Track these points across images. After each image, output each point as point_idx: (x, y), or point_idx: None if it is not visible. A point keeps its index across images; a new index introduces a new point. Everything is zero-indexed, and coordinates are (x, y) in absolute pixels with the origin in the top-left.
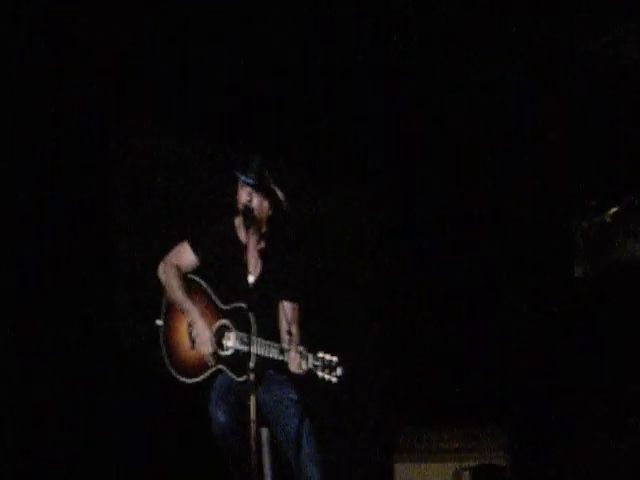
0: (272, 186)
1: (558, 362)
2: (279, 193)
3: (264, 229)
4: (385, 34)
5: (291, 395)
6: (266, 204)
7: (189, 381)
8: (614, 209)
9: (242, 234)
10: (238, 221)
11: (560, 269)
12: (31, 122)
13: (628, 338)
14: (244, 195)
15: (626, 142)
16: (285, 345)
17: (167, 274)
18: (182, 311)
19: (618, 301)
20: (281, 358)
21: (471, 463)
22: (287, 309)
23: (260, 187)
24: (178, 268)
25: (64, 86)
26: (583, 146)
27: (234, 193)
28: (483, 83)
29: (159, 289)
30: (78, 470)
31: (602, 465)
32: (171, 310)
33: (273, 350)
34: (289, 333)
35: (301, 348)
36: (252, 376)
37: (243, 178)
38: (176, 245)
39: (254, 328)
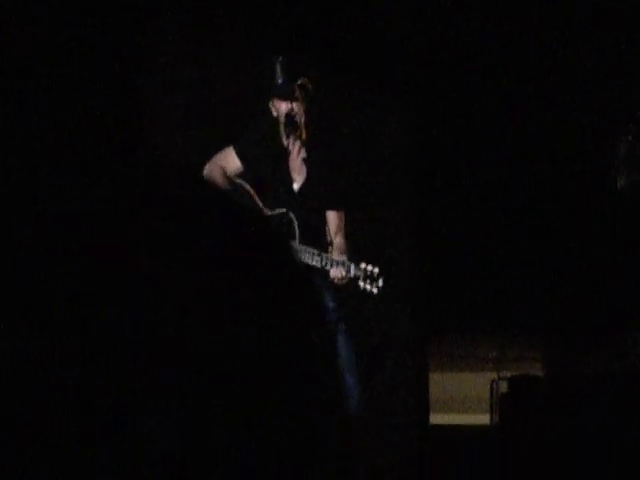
0: (307, 90)
1: (597, 273)
2: (314, 96)
3: (304, 136)
4: None
5: (329, 303)
6: (303, 109)
7: None
8: None
9: (285, 141)
10: (281, 129)
11: (603, 181)
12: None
13: None
14: (284, 103)
15: None
16: (328, 254)
17: (212, 173)
18: None
19: None
20: (322, 266)
21: (508, 373)
22: (332, 218)
23: (300, 93)
24: (223, 171)
25: None
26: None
27: (270, 103)
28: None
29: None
30: None
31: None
32: None
33: (316, 258)
34: (333, 242)
35: (344, 257)
36: None
37: (286, 87)
38: (221, 150)
39: (297, 234)
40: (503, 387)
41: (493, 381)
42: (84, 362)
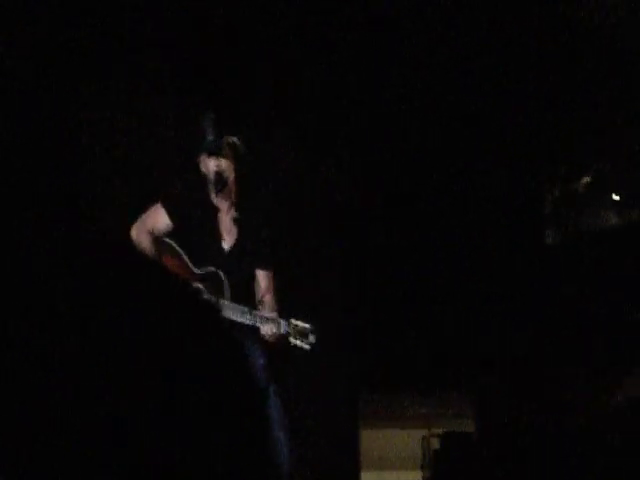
0: (237, 148)
1: (525, 329)
2: (244, 154)
3: (235, 196)
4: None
5: (260, 361)
6: (232, 167)
7: None
8: (585, 178)
9: (215, 200)
10: (210, 187)
11: (530, 236)
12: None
13: (595, 306)
14: (212, 161)
15: (596, 111)
16: (258, 312)
17: (140, 239)
18: None
19: (587, 269)
20: (253, 323)
21: (439, 430)
22: (261, 277)
23: (223, 151)
24: (151, 232)
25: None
26: (554, 114)
27: (199, 160)
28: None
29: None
30: None
31: (569, 428)
32: None
33: (247, 315)
34: (262, 300)
35: (274, 314)
36: None
37: (210, 143)
38: (149, 207)
39: (227, 293)
40: (434, 443)
41: (424, 437)
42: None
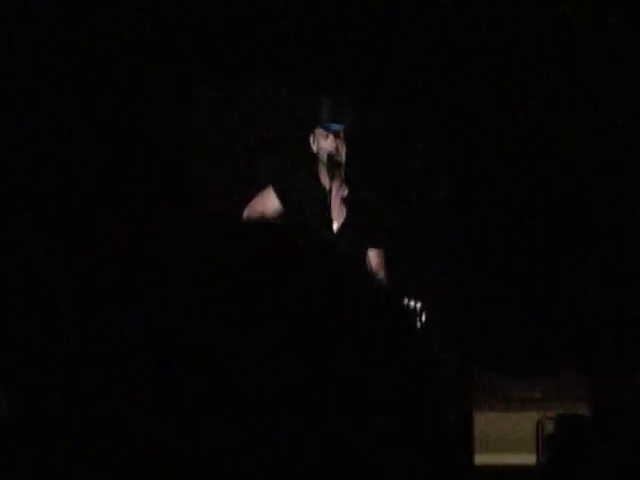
0: (351, 130)
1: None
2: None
3: (344, 175)
4: None
5: None
6: (345, 150)
7: None
8: None
9: (325, 180)
10: (320, 167)
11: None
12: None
13: None
14: (327, 142)
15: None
16: None
17: (252, 220)
18: None
19: None
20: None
21: (554, 413)
22: (372, 256)
23: (346, 134)
24: (262, 216)
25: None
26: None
27: (311, 140)
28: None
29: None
30: None
31: None
32: None
33: None
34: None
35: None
36: None
37: (331, 126)
38: (260, 191)
39: None
40: (549, 427)
41: (539, 421)
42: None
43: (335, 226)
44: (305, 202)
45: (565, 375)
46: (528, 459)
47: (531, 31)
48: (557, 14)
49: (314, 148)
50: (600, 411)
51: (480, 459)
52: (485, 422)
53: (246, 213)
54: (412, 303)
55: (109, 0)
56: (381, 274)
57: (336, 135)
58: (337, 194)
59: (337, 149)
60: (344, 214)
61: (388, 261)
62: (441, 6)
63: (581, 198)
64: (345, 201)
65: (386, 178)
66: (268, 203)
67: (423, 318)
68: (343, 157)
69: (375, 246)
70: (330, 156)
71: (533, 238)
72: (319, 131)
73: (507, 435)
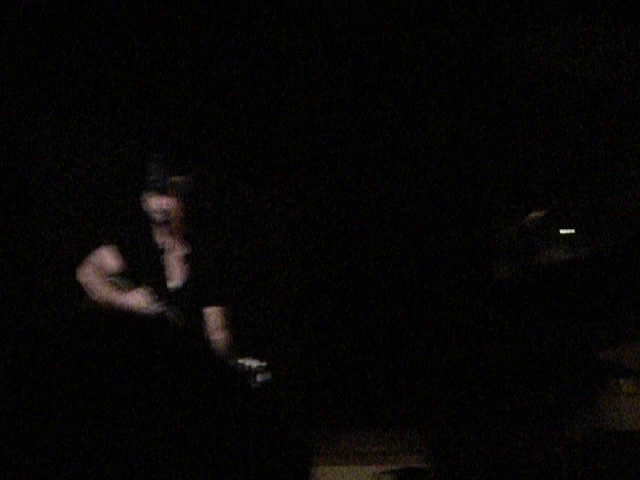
0: (182, 187)
1: (477, 364)
2: (189, 193)
3: (181, 234)
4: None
5: None
6: (180, 206)
7: None
8: (535, 213)
9: (161, 239)
10: (155, 226)
11: (481, 272)
12: None
13: (547, 341)
14: (159, 200)
15: (548, 146)
16: None
17: (89, 278)
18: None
19: (538, 304)
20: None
21: (393, 466)
22: (212, 314)
23: (177, 190)
24: (99, 272)
25: None
26: (505, 149)
27: (143, 199)
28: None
29: (78, 293)
30: None
31: (525, 463)
32: None
33: None
34: (214, 337)
35: (226, 352)
36: None
37: (158, 184)
38: (96, 248)
39: None
40: None
41: (376, 475)
42: None
43: (173, 284)
44: (142, 260)
45: (404, 428)
46: None
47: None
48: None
49: (146, 208)
50: (438, 464)
51: None
52: (324, 476)
53: (82, 271)
54: (249, 363)
55: None
56: (222, 333)
57: (163, 193)
58: (174, 252)
59: (167, 206)
60: (181, 272)
61: (230, 320)
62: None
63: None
64: (182, 259)
65: (226, 237)
66: (105, 260)
67: (260, 378)
68: (173, 214)
69: (214, 304)
70: (160, 213)
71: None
72: (151, 189)
73: None
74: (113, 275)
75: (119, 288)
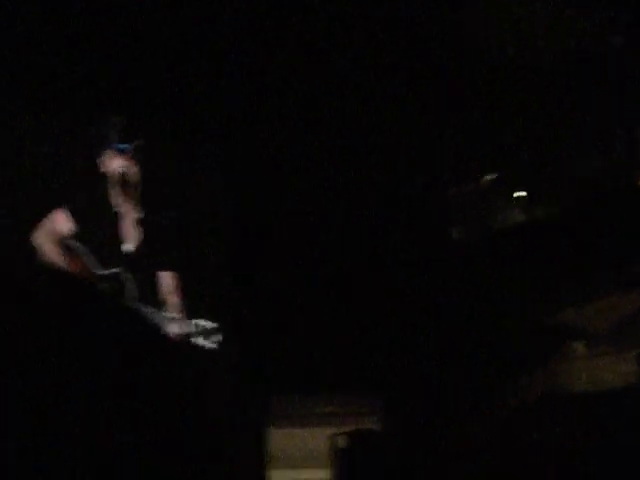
0: (142, 151)
1: (431, 327)
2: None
3: (138, 197)
4: None
5: None
6: (137, 170)
7: None
8: (490, 175)
9: (118, 201)
10: (111, 188)
11: (436, 233)
12: None
13: (501, 304)
14: (117, 162)
15: (502, 108)
16: (160, 312)
17: (42, 239)
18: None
19: (492, 266)
20: (157, 324)
21: (347, 428)
22: (164, 278)
23: (135, 153)
24: (54, 235)
25: None
26: (461, 112)
27: (100, 160)
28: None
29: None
30: None
31: (471, 427)
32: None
33: (150, 316)
34: (167, 301)
35: (179, 315)
36: None
37: (117, 145)
38: (51, 212)
39: (130, 293)
40: (342, 442)
41: (332, 436)
42: None
43: (126, 247)
44: (97, 223)
45: (357, 390)
46: (322, 474)
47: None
48: None
49: (103, 169)
50: (392, 426)
51: (275, 476)
52: (279, 438)
53: (37, 234)
54: (205, 323)
55: None
56: (175, 297)
57: (125, 155)
58: (129, 215)
59: (127, 169)
60: (136, 236)
61: (181, 283)
62: None
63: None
64: (139, 223)
65: (180, 202)
66: (60, 223)
67: (217, 338)
68: (133, 177)
69: (168, 268)
70: (119, 176)
71: (322, 249)
72: (108, 152)
73: (301, 451)
74: (68, 238)
75: (71, 251)
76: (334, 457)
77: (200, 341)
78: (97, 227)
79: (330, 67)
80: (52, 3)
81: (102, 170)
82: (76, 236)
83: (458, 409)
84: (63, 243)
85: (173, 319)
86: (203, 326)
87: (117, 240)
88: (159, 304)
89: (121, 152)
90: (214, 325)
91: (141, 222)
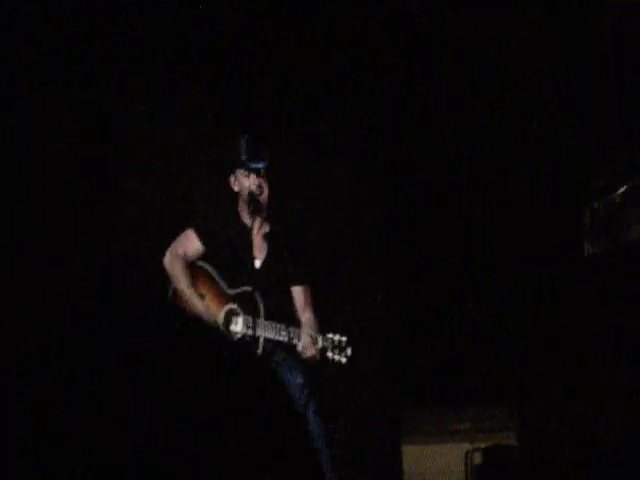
0: (271, 168)
1: (567, 342)
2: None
3: (265, 212)
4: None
5: (298, 380)
6: (267, 188)
7: None
8: (623, 188)
9: (246, 219)
10: (241, 206)
11: (570, 249)
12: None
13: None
14: (249, 180)
15: (631, 121)
16: (295, 328)
17: (173, 265)
18: (189, 302)
19: (627, 281)
20: (290, 341)
21: (482, 444)
22: (297, 292)
23: (268, 173)
24: (184, 257)
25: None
26: (593, 124)
27: (232, 179)
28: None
29: (167, 278)
30: None
31: (611, 442)
32: (177, 298)
33: (282, 332)
34: (300, 316)
35: (311, 331)
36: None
37: (252, 165)
38: (181, 233)
39: (262, 310)
40: (477, 458)
41: (467, 452)
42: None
43: (258, 264)
44: (227, 241)
45: (493, 406)
46: None
47: None
48: None
49: (235, 187)
50: (528, 442)
51: None
52: (413, 455)
53: (168, 256)
54: (337, 337)
55: None
56: (308, 311)
57: (257, 174)
58: (259, 232)
59: (259, 187)
60: (265, 251)
61: (314, 297)
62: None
63: None
64: (266, 238)
65: (308, 215)
66: (189, 244)
67: (349, 352)
68: (265, 195)
69: (298, 283)
70: (252, 194)
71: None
72: (240, 170)
73: (436, 467)
74: (198, 259)
75: (201, 272)
76: (470, 474)
77: (333, 356)
78: (227, 246)
79: None
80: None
81: (234, 189)
82: (205, 257)
83: (598, 421)
84: (193, 265)
85: (305, 335)
86: (335, 340)
87: (246, 258)
88: (293, 320)
89: (253, 171)
90: (345, 339)
91: (268, 237)
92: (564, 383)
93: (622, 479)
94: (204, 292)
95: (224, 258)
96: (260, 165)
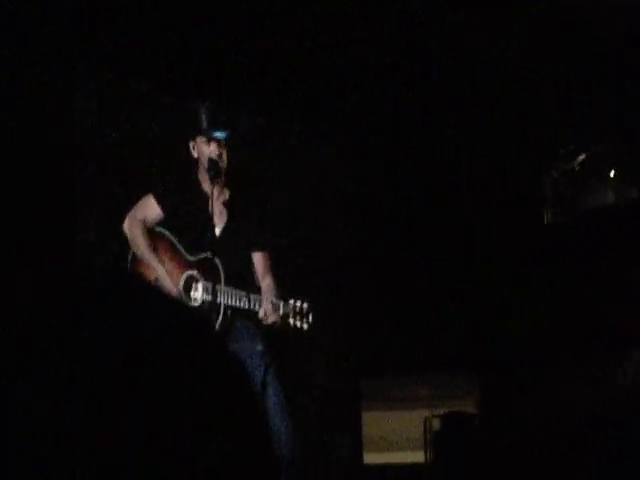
0: (232, 136)
1: (527, 309)
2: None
3: (225, 179)
4: None
5: (258, 347)
6: (226, 155)
7: None
8: (583, 156)
9: (206, 185)
10: (201, 173)
11: (530, 216)
12: None
13: (596, 284)
14: (209, 148)
15: (595, 87)
16: (256, 295)
17: (132, 230)
18: (148, 267)
19: (587, 248)
20: (251, 307)
21: (441, 411)
22: (257, 259)
23: (229, 140)
24: (144, 222)
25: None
26: (552, 92)
27: (191, 146)
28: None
29: (125, 243)
30: None
31: (571, 413)
32: (136, 264)
33: (243, 299)
34: (261, 282)
35: (272, 297)
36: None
37: (213, 134)
38: (141, 198)
39: (222, 277)
40: (436, 424)
41: (426, 419)
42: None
43: (218, 230)
44: (186, 208)
45: (453, 374)
46: (417, 457)
47: None
48: None
49: (195, 154)
50: (487, 408)
51: (369, 459)
52: (373, 422)
53: (127, 222)
54: (298, 303)
55: None
56: (268, 277)
57: (218, 142)
58: (218, 198)
59: (219, 155)
60: (225, 218)
61: (276, 264)
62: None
63: None
64: (226, 205)
65: (267, 182)
66: (149, 210)
67: (310, 318)
68: (225, 162)
69: (258, 249)
70: (212, 161)
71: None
72: (201, 138)
73: (396, 434)
74: (158, 225)
75: (161, 238)
76: (428, 440)
77: (295, 322)
78: (185, 212)
79: None
80: None
81: (194, 155)
82: (165, 222)
83: (557, 390)
84: (153, 230)
85: (266, 301)
86: (297, 306)
87: (206, 224)
88: (254, 287)
89: (215, 139)
90: (307, 305)
91: (228, 204)
92: (526, 351)
93: (583, 442)
94: (164, 258)
95: (184, 224)
96: (221, 135)
